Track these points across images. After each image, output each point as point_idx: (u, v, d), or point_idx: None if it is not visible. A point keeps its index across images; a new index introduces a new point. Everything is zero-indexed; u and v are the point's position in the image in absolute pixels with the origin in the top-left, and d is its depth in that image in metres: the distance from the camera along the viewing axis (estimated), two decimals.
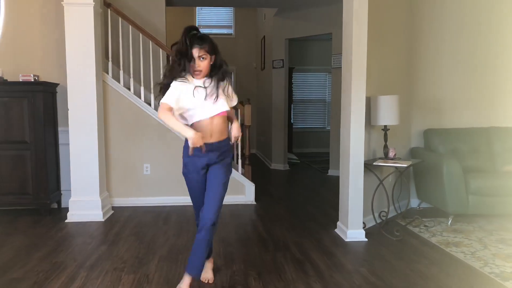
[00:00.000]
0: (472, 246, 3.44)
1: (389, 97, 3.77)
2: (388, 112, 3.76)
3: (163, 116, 2.32)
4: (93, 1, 4.20)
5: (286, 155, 7.90)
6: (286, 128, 7.82)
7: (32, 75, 4.40)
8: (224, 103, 2.43)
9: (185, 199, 4.89)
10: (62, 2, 4.18)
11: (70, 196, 4.32)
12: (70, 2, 4.16)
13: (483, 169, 4.40)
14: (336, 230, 3.90)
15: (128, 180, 4.88)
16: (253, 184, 5.08)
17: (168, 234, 3.80)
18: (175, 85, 2.35)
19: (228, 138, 2.54)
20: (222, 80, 2.44)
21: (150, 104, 4.93)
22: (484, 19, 4.75)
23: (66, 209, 4.33)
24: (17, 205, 4.43)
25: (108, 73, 4.77)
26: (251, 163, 5.21)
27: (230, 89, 2.51)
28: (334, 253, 3.33)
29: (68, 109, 4.27)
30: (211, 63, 2.40)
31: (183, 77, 2.38)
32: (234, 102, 2.59)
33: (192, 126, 2.40)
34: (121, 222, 4.19)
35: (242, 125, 5.28)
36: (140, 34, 4.91)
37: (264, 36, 8.61)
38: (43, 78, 4.61)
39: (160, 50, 5.03)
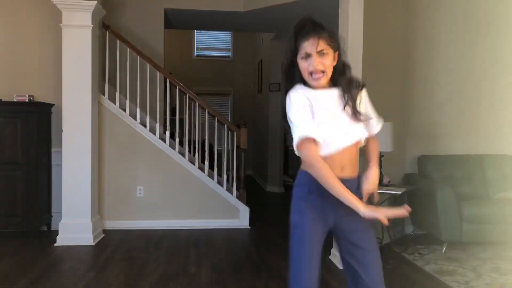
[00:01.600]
0: (466, 275, 3.40)
1: (383, 124, 3.77)
2: (382, 139, 3.75)
3: (318, 165, 1.57)
4: (92, 24, 4.23)
5: (282, 178, 7.87)
6: (282, 151, 7.81)
7: (27, 95, 4.41)
8: (361, 126, 1.67)
9: (178, 223, 4.90)
10: (60, 24, 4.21)
11: (61, 218, 4.26)
12: (69, 24, 4.19)
13: (477, 196, 4.38)
14: (330, 256, 3.85)
15: (121, 202, 4.83)
16: (248, 208, 5.04)
17: (159, 260, 3.73)
18: (298, 97, 1.63)
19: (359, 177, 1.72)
20: (354, 89, 1.67)
21: (145, 126, 4.92)
22: (478, 47, 4.81)
23: (56, 232, 4.26)
24: (6, 227, 4.35)
25: (104, 95, 4.78)
26: (246, 186, 5.17)
27: (367, 103, 1.72)
28: (328, 281, 3.28)
29: (62, 130, 4.25)
30: (334, 63, 1.65)
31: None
32: (376, 126, 1.77)
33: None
34: (112, 246, 4.12)
35: (237, 147, 5.29)
36: (138, 56, 4.94)
37: (262, 59, 8.68)
38: (39, 98, 4.61)
39: (158, 72, 5.06)
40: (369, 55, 3.81)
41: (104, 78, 4.89)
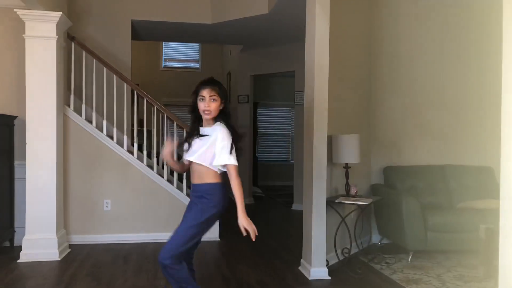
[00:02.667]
0: (431, 283, 3.51)
1: (350, 136, 3.87)
2: (349, 151, 3.85)
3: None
4: (56, 35, 4.15)
5: (251, 189, 7.89)
6: (251, 162, 7.84)
7: None
8: (202, 155, 2.39)
9: (146, 237, 4.83)
10: (23, 35, 4.11)
11: (24, 233, 4.11)
12: (32, 35, 4.09)
13: (440, 206, 4.55)
14: (299, 267, 3.89)
15: (88, 216, 4.72)
16: (217, 220, 5.00)
17: (127, 274, 3.66)
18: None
19: (209, 185, 2.43)
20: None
21: (112, 138, 4.84)
22: (442, 61, 5.01)
23: (19, 248, 4.11)
24: None
25: (70, 106, 4.68)
26: None
27: (219, 145, 2.36)
28: None
29: (26, 143, 4.13)
30: (221, 108, 2.43)
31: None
32: (219, 160, 2.36)
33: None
34: (78, 262, 4.01)
35: None
36: (104, 68, 4.88)
37: (230, 71, 8.73)
38: (1, 110, 4.46)
39: (125, 84, 5.00)
40: (335, 69, 3.91)
41: (70, 90, 4.80)
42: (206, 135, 2.40)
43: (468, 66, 5.03)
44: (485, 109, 4.97)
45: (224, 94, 2.44)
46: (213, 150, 2.37)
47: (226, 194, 2.49)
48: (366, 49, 4.82)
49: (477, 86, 5.01)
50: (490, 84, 4.79)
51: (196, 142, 2.43)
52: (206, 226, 2.45)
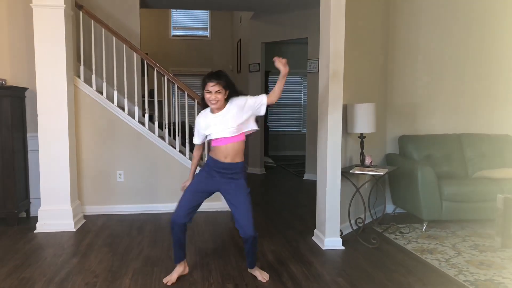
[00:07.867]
0: (446, 253, 3.49)
1: (366, 105, 3.78)
2: (364, 120, 3.77)
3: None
4: (64, 3, 4.05)
5: (263, 159, 7.87)
6: (262, 131, 7.79)
7: None
8: (238, 125, 2.84)
9: (159, 207, 4.86)
10: (30, 4, 4.02)
11: (39, 204, 4.16)
12: (39, 3, 4.01)
13: (456, 175, 4.48)
14: (313, 237, 3.89)
15: (101, 187, 4.75)
16: None
17: (142, 244, 3.70)
18: (197, 120, 2.95)
19: (242, 163, 2.94)
20: None
21: (123, 109, 4.81)
22: (458, 29, 4.84)
23: (35, 219, 4.17)
24: None
25: (80, 77, 4.63)
26: None
27: (249, 101, 2.83)
28: (311, 262, 3.31)
29: (37, 115, 4.11)
30: (226, 97, 2.74)
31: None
32: (260, 98, 2.90)
33: None
34: (94, 232, 4.06)
35: None
36: (114, 37, 4.79)
37: (240, 39, 8.56)
38: (11, 82, 4.44)
39: (134, 53, 4.91)
40: (351, 36, 3.78)
41: (79, 60, 4.74)
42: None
43: (485, 33, 4.85)
44: (502, 76, 4.82)
45: (229, 84, 2.71)
46: (243, 116, 2.75)
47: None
48: (383, 16, 4.64)
49: (494, 54, 4.86)
50: (507, 52, 4.61)
51: (218, 122, 2.73)
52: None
